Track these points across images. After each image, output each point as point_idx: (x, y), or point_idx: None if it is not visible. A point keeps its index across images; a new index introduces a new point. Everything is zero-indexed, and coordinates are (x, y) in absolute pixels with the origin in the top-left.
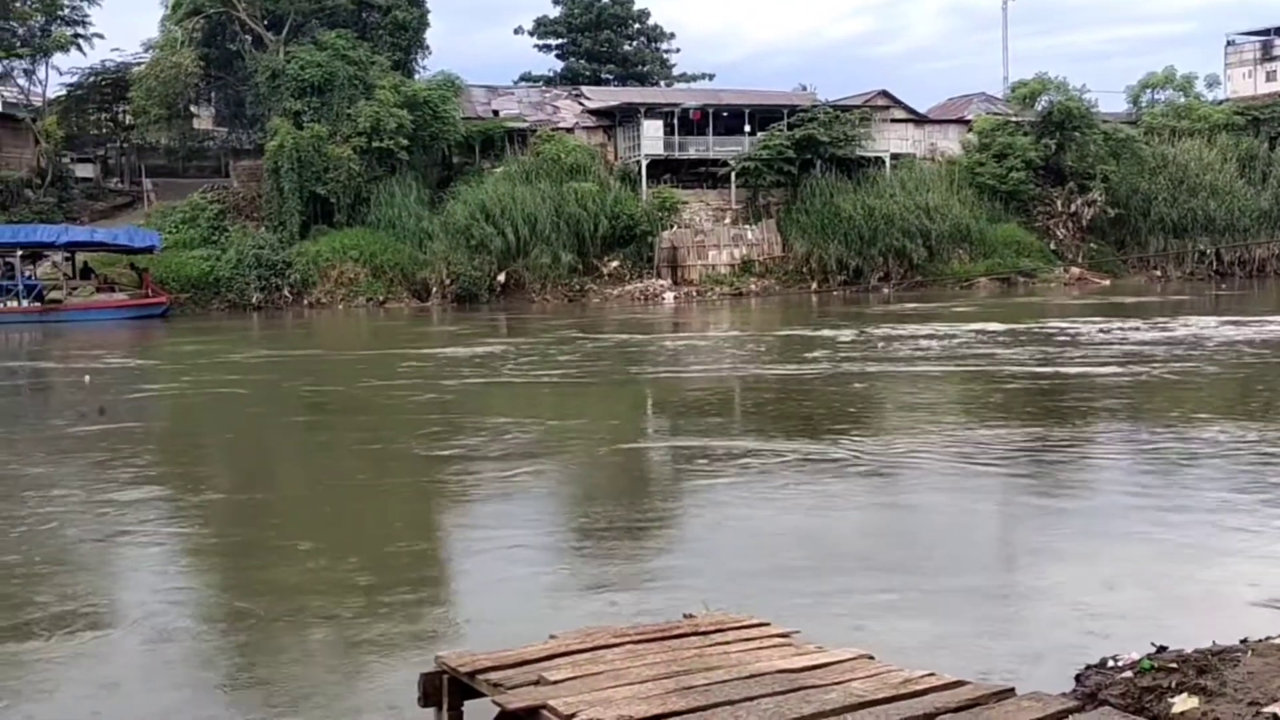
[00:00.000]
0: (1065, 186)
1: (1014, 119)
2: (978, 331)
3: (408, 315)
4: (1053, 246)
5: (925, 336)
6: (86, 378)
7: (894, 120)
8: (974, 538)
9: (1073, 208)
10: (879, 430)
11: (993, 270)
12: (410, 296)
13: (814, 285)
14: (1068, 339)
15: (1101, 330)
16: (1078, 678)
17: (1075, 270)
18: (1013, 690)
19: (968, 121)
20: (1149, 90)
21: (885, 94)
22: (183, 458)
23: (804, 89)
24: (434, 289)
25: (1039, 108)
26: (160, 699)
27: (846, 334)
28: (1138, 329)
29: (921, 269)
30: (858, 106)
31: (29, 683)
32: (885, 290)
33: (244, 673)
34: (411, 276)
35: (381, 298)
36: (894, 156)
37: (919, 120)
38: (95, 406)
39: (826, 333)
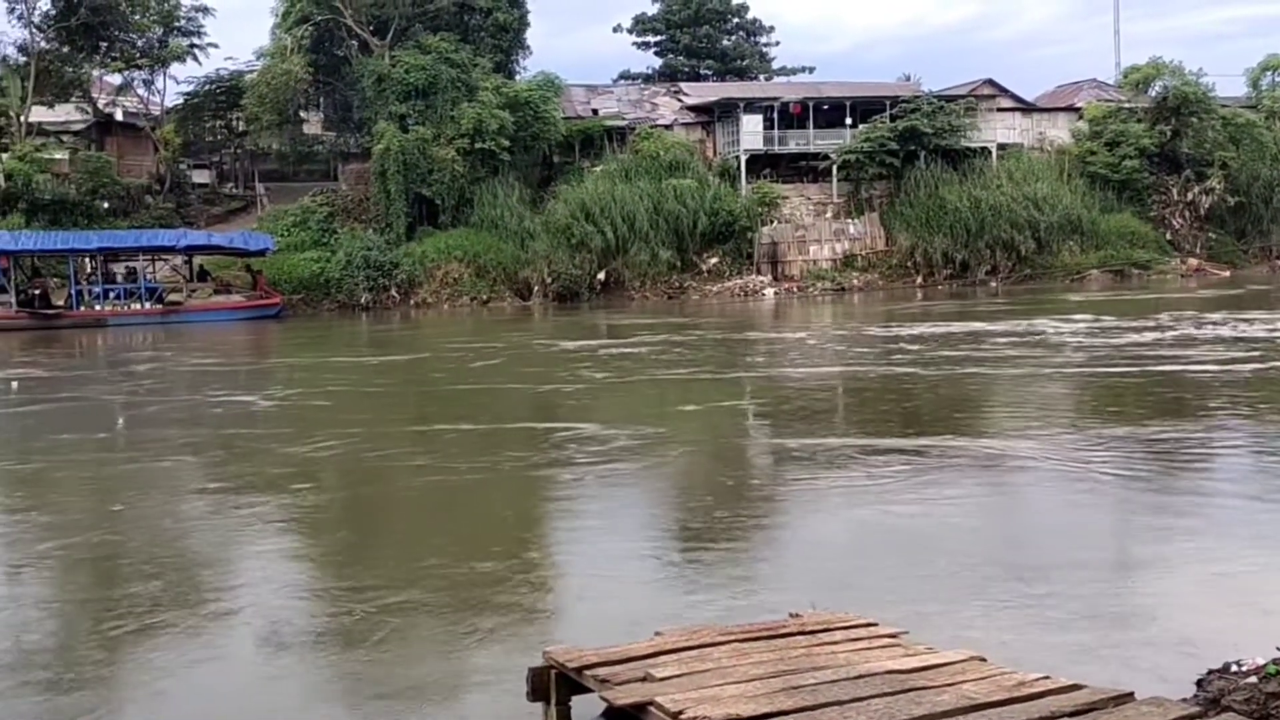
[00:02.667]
0: (1182, 174)
1: (1127, 105)
2: (1088, 326)
3: (510, 314)
4: (1169, 237)
5: (1034, 331)
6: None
7: (1000, 109)
8: (1089, 539)
9: (1190, 196)
10: (991, 428)
11: (1105, 262)
12: (512, 295)
13: (919, 280)
14: (1186, 332)
15: (1222, 324)
16: (1199, 683)
17: (1193, 261)
18: (1132, 695)
19: (1078, 109)
20: (1269, 73)
21: (991, 83)
22: (297, 455)
23: (907, 79)
24: (535, 288)
25: (1153, 93)
26: (271, 692)
27: (951, 329)
28: (1256, 322)
29: (1030, 262)
30: (963, 96)
31: (150, 672)
32: (993, 284)
33: (352, 664)
34: (514, 276)
35: (485, 297)
36: (1001, 146)
37: (1027, 109)
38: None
39: (930, 329)
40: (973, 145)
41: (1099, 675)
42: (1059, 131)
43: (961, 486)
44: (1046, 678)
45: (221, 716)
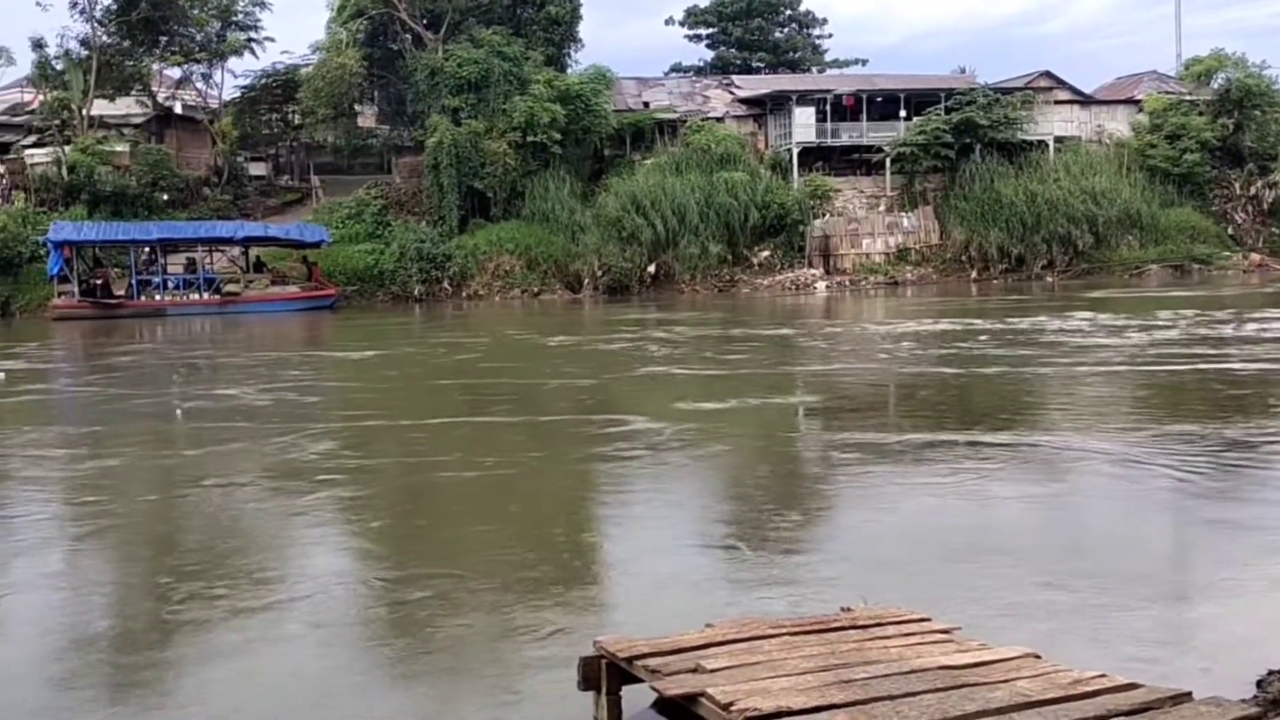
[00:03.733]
0: (1244, 168)
1: (1188, 98)
2: (1148, 321)
3: (560, 307)
4: (1230, 232)
5: (1093, 327)
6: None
7: (1058, 102)
8: (1147, 537)
9: (1252, 190)
10: (1049, 424)
11: (1165, 257)
12: (563, 288)
13: (973, 274)
14: (1244, 329)
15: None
16: (1259, 683)
17: (1255, 256)
18: (1190, 694)
19: (1137, 102)
20: None
21: (1048, 75)
22: (354, 445)
23: (962, 71)
24: (586, 281)
25: (1215, 86)
26: (323, 679)
27: (1010, 324)
28: None
29: (1088, 256)
30: (1019, 89)
31: (205, 660)
32: (1049, 278)
33: (403, 652)
34: (564, 268)
35: (536, 289)
36: (1058, 139)
37: (1085, 101)
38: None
39: (986, 323)
40: (1029, 138)
41: (1156, 674)
42: (1118, 124)
43: (1018, 483)
44: (1103, 676)
45: (275, 701)
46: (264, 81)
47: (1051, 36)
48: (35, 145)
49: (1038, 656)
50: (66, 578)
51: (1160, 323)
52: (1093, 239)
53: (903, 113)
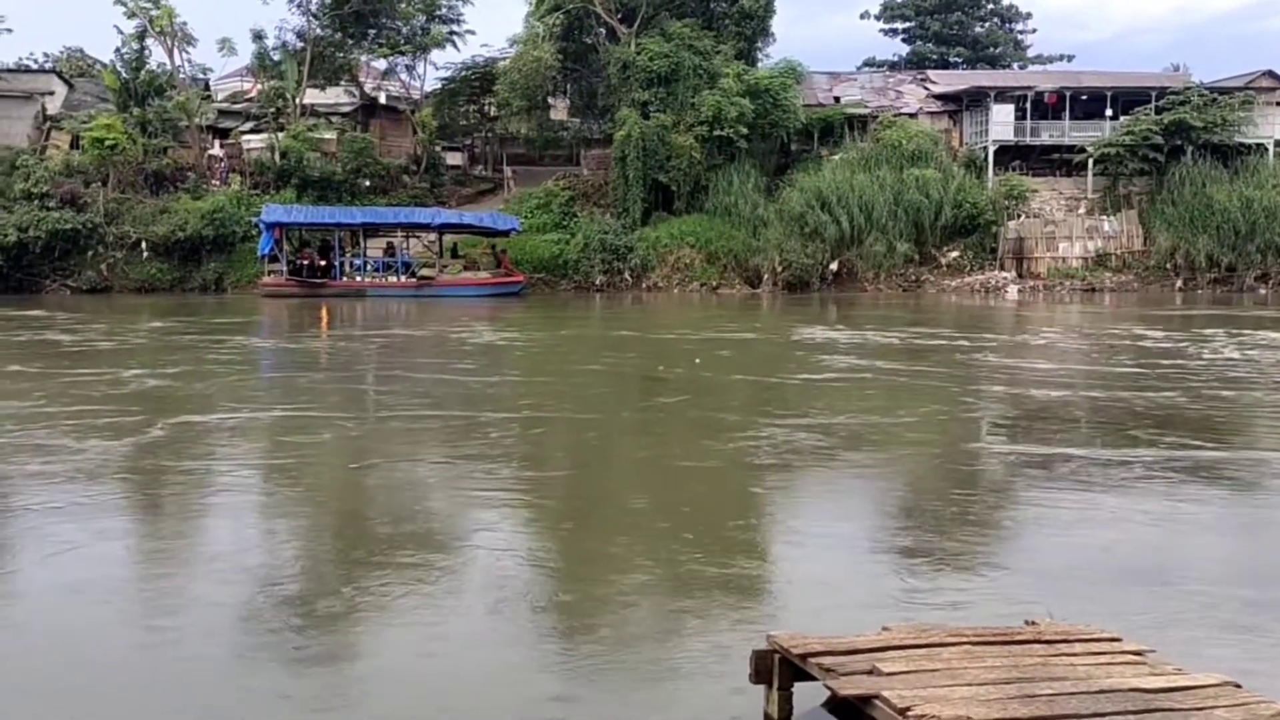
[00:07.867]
0: None
1: None
2: None
3: (739, 301)
4: None
5: None
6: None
7: None
8: None
9: None
10: (1252, 443)
11: None
12: (742, 283)
13: (1179, 283)
14: None
15: None
16: None
17: None
18: None
19: None
20: None
21: (1271, 74)
22: (528, 433)
23: (1175, 69)
24: (765, 276)
25: None
26: (491, 656)
27: (1221, 336)
28: None
29: None
30: (1238, 88)
31: (371, 628)
32: (1262, 290)
33: (574, 627)
34: (744, 263)
35: (714, 284)
36: (1279, 143)
37: None
38: None
39: (1197, 336)
40: (1247, 141)
41: None
42: None
43: (1218, 503)
44: None
45: (448, 675)
46: (463, 74)
47: (1276, 32)
48: (252, 131)
49: (1237, 685)
50: (264, 545)
51: None
52: None
53: (1109, 112)
